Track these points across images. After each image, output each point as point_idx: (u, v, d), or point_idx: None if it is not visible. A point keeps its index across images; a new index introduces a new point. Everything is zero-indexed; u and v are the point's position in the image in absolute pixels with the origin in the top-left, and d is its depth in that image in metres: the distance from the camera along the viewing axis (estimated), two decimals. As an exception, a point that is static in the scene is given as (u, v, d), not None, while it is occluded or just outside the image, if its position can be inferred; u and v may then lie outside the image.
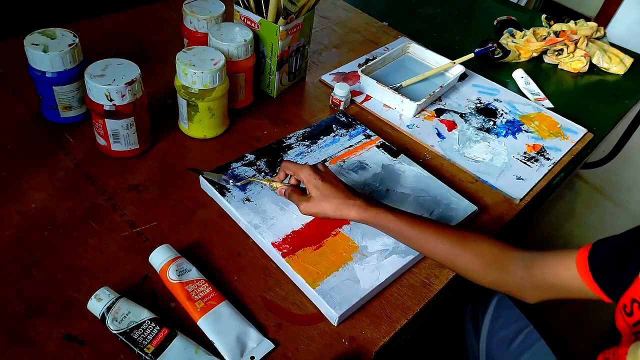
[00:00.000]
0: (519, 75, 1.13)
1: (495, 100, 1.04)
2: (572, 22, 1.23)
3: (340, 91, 0.93)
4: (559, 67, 1.20)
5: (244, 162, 0.78)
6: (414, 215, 0.64)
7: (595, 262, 0.53)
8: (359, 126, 0.89)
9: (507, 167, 0.88)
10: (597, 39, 1.24)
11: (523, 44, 1.19)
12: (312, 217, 0.71)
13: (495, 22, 1.31)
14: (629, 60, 1.21)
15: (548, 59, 1.21)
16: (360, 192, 0.65)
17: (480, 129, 0.95)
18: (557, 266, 0.57)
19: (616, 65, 1.19)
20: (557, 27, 1.23)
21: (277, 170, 0.73)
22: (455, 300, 0.69)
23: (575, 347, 1.30)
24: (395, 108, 0.97)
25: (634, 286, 0.49)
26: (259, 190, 0.74)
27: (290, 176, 0.69)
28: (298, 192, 0.67)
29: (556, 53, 1.19)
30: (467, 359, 0.83)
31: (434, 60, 1.09)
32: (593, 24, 1.22)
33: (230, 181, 0.73)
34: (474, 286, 0.65)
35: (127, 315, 0.56)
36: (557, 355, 0.77)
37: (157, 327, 0.56)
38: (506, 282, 0.61)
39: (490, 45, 1.11)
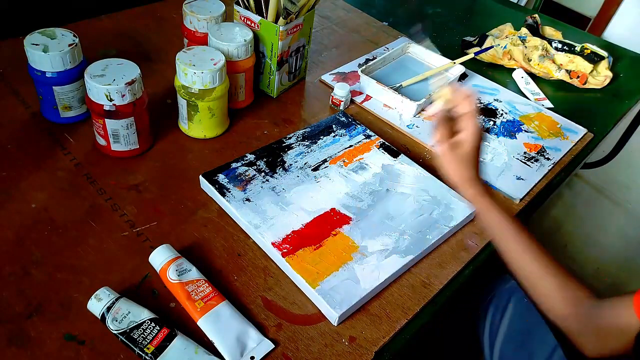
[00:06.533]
0: (519, 75, 1.13)
1: (495, 100, 1.04)
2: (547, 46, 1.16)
3: (340, 91, 0.93)
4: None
5: (244, 162, 0.78)
6: (519, 224, 0.64)
7: None
8: (359, 126, 0.89)
9: (507, 167, 0.88)
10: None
11: (521, 57, 1.16)
12: (312, 218, 0.71)
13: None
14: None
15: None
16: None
17: (480, 129, 0.95)
18: (611, 309, 0.57)
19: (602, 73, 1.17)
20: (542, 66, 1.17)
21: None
22: (455, 300, 0.69)
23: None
24: (395, 108, 0.97)
25: None
26: (259, 190, 0.74)
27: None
28: (449, 128, 0.64)
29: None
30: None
31: (434, 60, 1.09)
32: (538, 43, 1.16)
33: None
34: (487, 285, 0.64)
35: (127, 315, 0.56)
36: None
37: (157, 327, 0.56)
38: (570, 322, 0.62)
39: (492, 45, 1.12)
